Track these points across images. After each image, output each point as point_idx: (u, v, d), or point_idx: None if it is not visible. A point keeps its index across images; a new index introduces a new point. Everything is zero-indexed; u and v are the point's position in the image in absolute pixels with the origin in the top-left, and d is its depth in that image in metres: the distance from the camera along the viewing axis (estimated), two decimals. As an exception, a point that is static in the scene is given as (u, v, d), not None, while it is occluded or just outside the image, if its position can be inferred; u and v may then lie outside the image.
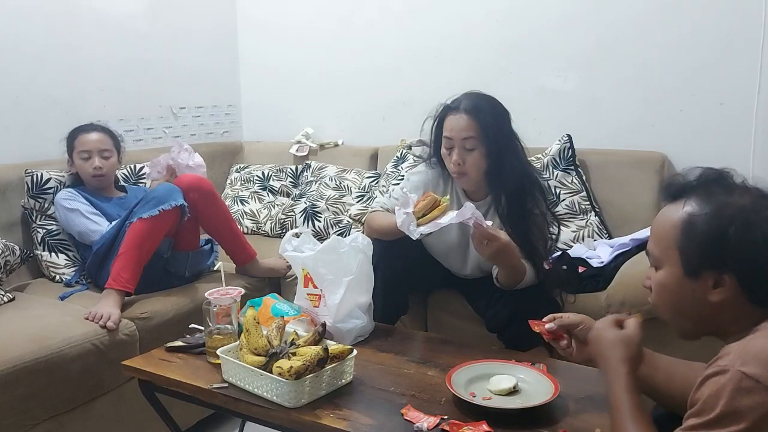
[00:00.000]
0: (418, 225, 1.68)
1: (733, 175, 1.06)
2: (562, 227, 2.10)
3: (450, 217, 1.66)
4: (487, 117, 1.85)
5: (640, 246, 2.18)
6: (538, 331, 1.38)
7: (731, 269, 0.99)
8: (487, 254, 1.74)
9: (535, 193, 1.90)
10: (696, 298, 1.03)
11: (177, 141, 2.48)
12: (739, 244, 0.98)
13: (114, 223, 2.19)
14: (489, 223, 1.71)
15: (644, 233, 2.25)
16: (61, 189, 2.38)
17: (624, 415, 1.07)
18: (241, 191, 3.14)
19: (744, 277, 0.99)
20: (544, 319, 1.38)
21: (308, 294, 1.74)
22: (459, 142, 1.86)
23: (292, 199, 3.03)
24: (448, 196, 1.81)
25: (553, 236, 1.98)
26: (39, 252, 2.34)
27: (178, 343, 1.67)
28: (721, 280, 1.00)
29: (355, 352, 1.47)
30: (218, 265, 1.98)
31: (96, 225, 2.23)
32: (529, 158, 1.99)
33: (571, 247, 2.42)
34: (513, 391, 1.37)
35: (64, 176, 2.42)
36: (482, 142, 1.85)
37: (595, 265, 2.22)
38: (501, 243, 1.71)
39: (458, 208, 1.98)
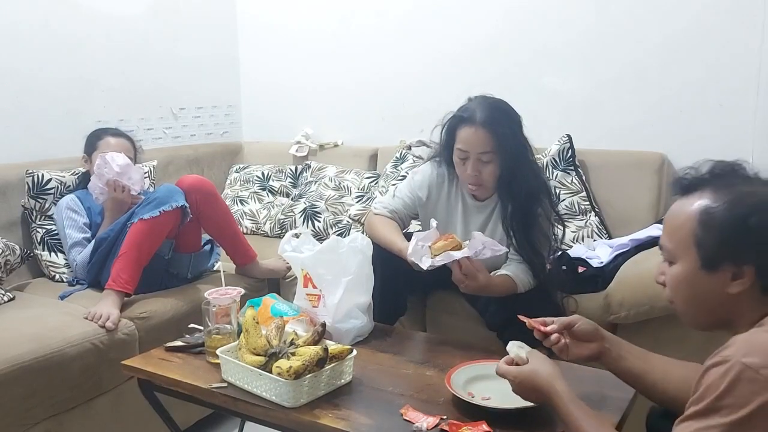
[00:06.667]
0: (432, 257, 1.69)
1: (746, 167, 1.05)
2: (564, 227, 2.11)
3: (462, 253, 1.68)
4: (504, 129, 1.82)
5: (640, 246, 2.19)
6: (523, 320, 1.37)
7: (750, 260, 0.98)
8: (468, 291, 1.78)
9: (542, 195, 1.90)
10: (713, 291, 1.02)
11: (103, 157, 2.22)
12: (761, 234, 0.97)
13: (115, 223, 2.19)
14: (488, 254, 1.71)
15: (644, 233, 2.25)
16: (62, 190, 2.39)
17: (580, 421, 1.10)
18: (241, 191, 3.14)
19: (762, 267, 0.98)
20: (537, 320, 1.36)
21: (307, 294, 1.74)
22: (475, 156, 1.84)
23: (292, 200, 3.03)
24: (468, 242, 1.77)
25: (557, 237, 1.98)
26: (39, 252, 2.35)
27: (178, 342, 1.67)
28: (740, 271, 0.99)
29: (354, 352, 1.47)
30: (218, 265, 1.98)
31: (77, 252, 2.23)
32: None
33: (571, 247, 2.42)
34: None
35: (65, 176, 2.42)
36: (498, 155, 1.83)
37: (594, 266, 2.22)
38: (478, 285, 1.74)
39: (462, 208, 2.00)
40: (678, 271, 1.06)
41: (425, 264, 1.68)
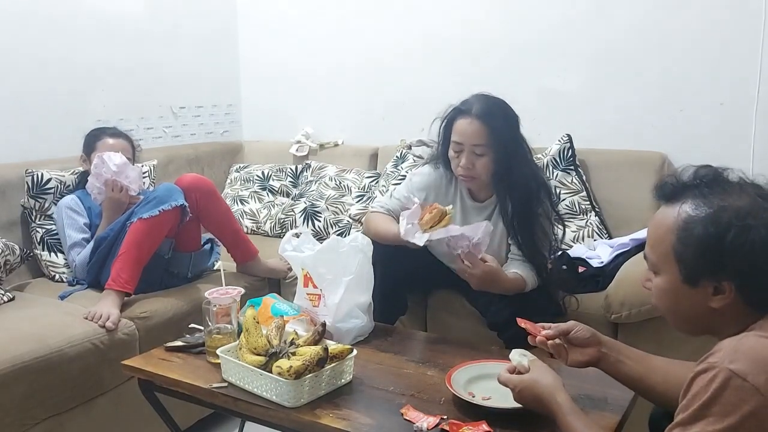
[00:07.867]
0: (425, 232, 1.70)
1: (729, 173, 1.04)
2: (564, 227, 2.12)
3: (460, 229, 1.69)
4: (499, 123, 1.83)
5: (640, 246, 2.18)
6: (523, 326, 1.35)
7: (730, 276, 0.98)
8: (473, 283, 1.77)
9: (541, 195, 1.90)
10: (696, 304, 1.02)
11: (100, 157, 2.22)
12: (738, 251, 0.96)
13: (115, 222, 2.19)
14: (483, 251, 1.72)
15: (644, 233, 2.24)
16: (62, 190, 2.39)
17: None
18: (241, 191, 3.14)
19: (742, 283, 0.98)
20: (537, 325, 1.35)
21: (308, 294, 1.74)
22: (469, 148, 1.84)
23: (292, 199, 3.03)
24: (451, 206, 1.79)
25: (557, 236, 1.98)
26: (38, 251, 2.35)
27: (178, 342, 1.67)
28: (721, 287, 0.99)
29: (354, 351, 1.47)
30: (218, 264, 1.98)
31: (76, 252, 2.23)
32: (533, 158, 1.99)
33: (571, 247, 2.42)
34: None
35: (64, 176, 2.41)
36: (492, 149, 1.84)
37: (595, 265, 2.22)
38: (483, 271, 1.73)
39: (462, 210, 1.99)
40: (661, 282, 1.07)
41: (420, 240, 1.69)
